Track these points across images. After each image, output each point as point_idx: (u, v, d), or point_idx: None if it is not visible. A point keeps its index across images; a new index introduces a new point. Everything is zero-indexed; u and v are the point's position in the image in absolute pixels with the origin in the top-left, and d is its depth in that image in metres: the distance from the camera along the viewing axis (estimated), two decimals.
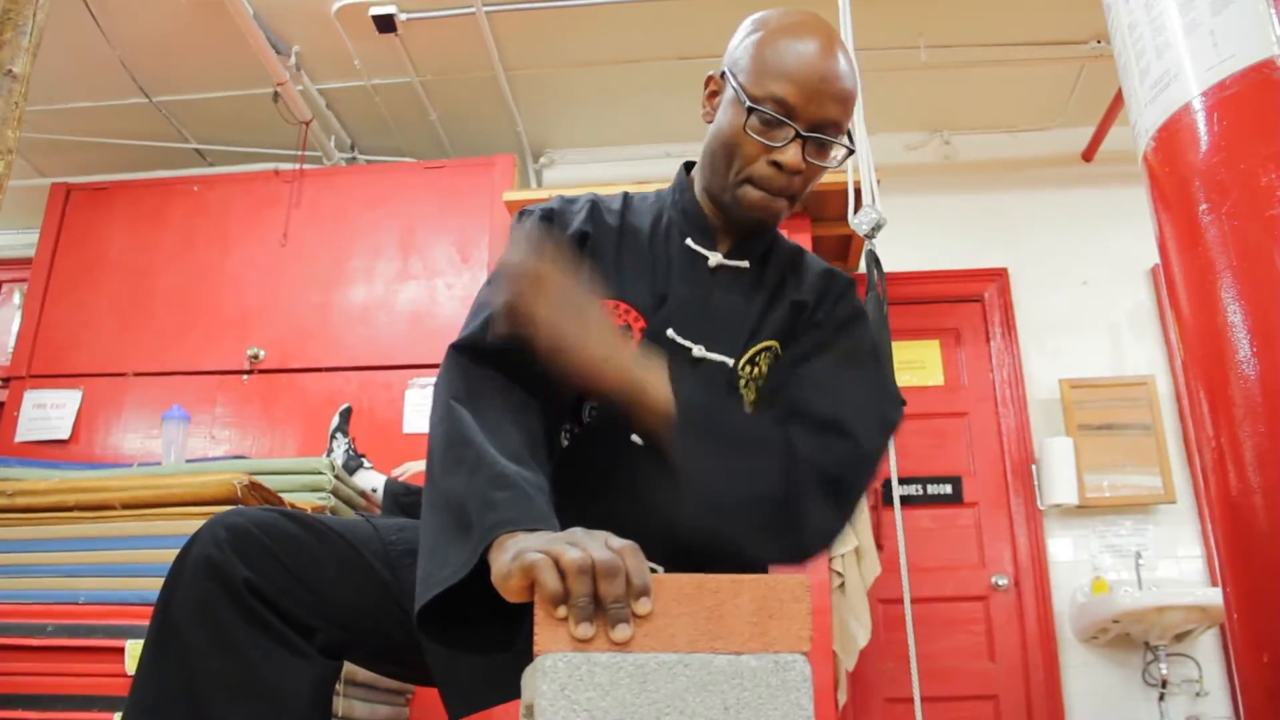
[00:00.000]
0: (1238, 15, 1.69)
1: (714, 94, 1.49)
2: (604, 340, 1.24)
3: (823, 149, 1.40)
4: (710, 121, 1.48)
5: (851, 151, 1.44)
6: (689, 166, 1.58)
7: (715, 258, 1.47)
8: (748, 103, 1.36)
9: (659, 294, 1.44)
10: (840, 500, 1.31)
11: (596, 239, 1.48)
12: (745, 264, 1.49)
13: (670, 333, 1.40)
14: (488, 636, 1.11)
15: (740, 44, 1.44)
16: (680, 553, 1.34)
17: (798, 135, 1.36)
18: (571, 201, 1.54)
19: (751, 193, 1.40)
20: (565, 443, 1.43)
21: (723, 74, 1.46)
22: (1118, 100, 4.35)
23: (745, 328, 1.45)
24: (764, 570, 1.32)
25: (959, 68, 4.50)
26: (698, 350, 1.41)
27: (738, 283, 1.48)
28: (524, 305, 1.20)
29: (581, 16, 4.21)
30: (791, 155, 1.37)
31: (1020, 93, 4.76)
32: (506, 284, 1.21)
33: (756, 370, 1.44)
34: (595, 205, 1.53)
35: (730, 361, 1.42)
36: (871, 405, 1.39)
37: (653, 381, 1.25)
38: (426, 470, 1.20)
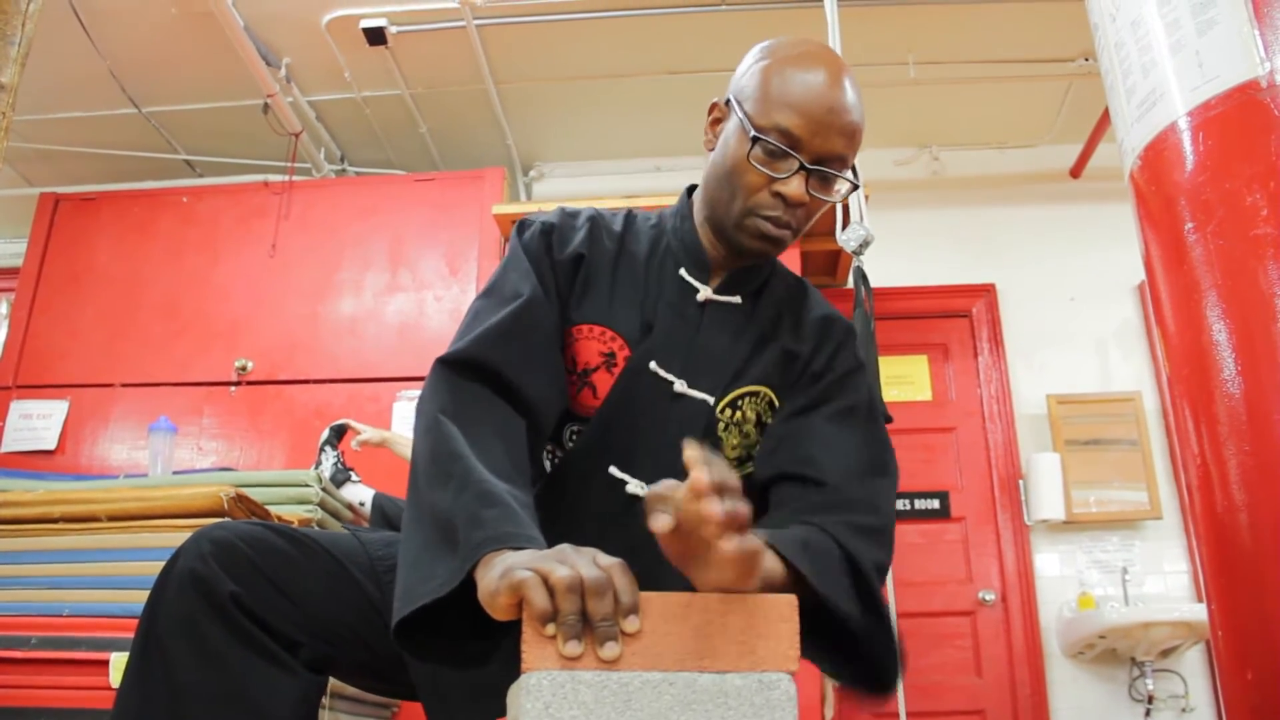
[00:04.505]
0: (1222, 36, 1.70)
1: (717, 121, 1.46)
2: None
3: (826, 182, 1.37)
4: (712, 149, 1.45)
5: (856, 186, 1.41)
6: (691, 190, 1.55)
7: (705, 292, 1.44)
8: (752, 132, 1.33)
9: (647, 323, 1.42)
10: (885, 554, 1.29)
11: (592, 261, 1.45)
12: (737, 299, 1.46)
13: (653, 365, 1.39)
14: (465, 652, 1.11)
15: (747, 72, 1.41)
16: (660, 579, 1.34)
17: (802, 167, 1.33)
18: (573, 216, 1.51)
19: (753, 223, 1.37)
20: (549, 466, 1.42)
21: (728, 101, 1.43)
22: (1105, 118, 4.37)
23: (730, 367, 1.43)
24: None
25: (948, 84, 4.52)
26: (679, 385, 1.39)
27: (728, 319, 1.45)
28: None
29: (571, 31, 4.22)
30: (795, 188, 1.34)
31: (1009, 109, 4.79)
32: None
33: (739, 414, 1.42)
34: (595, 224, 1.50)
35: (711, 400, 1.40)
36: (885, 464, 1.38)
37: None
38: (410, 483, 1.19)
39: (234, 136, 4.88)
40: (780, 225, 1.38)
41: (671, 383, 1.39)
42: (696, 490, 0.90)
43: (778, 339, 1.47)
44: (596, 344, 1.41)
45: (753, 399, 1.43)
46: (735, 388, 1.43)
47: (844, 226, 3.04)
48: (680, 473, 1.19)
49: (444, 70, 4.49)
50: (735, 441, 1.43)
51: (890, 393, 4.61)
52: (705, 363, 1.41)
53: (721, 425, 1.41)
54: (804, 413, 1.41)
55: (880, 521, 1.32)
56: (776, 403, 1.45)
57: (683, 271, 1.46)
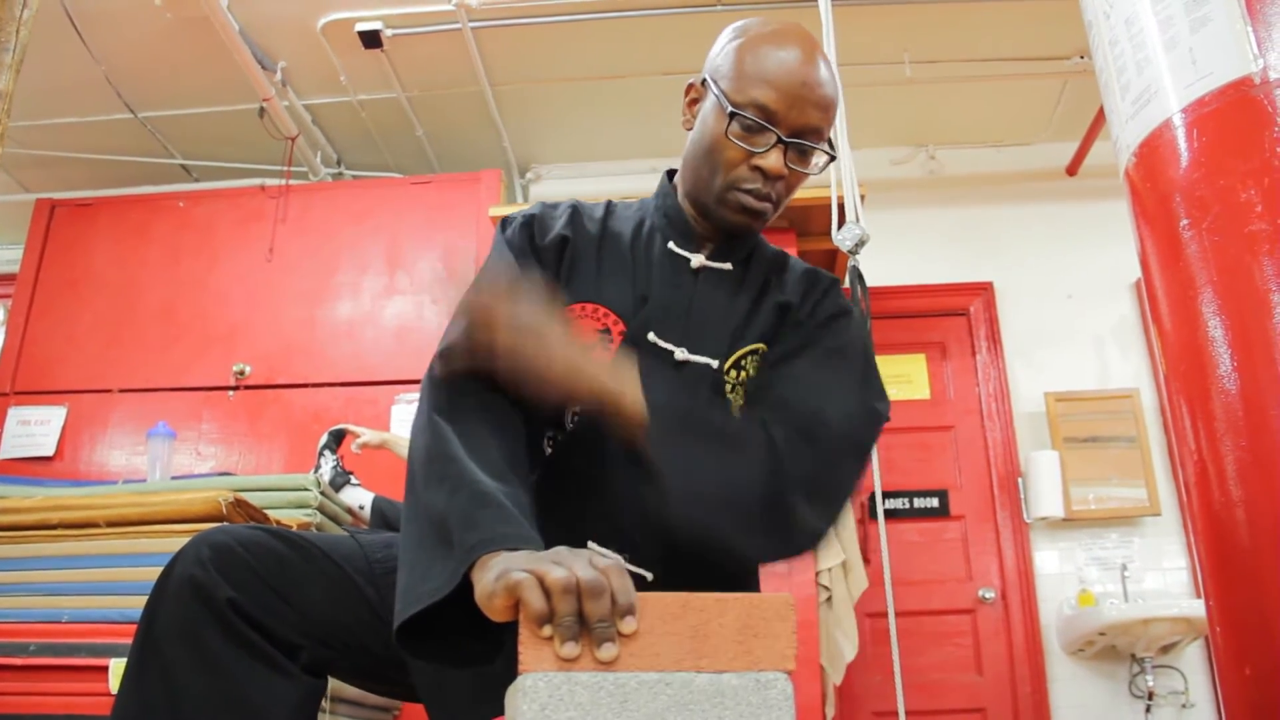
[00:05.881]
0: (1216, 33, 1.70)
1: (694, 101, 1.50)
2: (568, 353, 1.24)
3: (804, 155, 1.41)
4: (690, 129, 1.49)
5: (833, 158, 1.44)
6: (671, 174, 1.58)
7: (698, 259, 1.47)
8: (729, 108, 1.37)
9: (640, 297, 1.44)
10: (828, 498, 1.30)
11: (577, 243, 1.48)
12: (728, 266, 1.48)
13: (651, 336, 1.40)
14: (467, 651, 1.11)
15: (721, 51, 1.45)
16: (670, 556, 1.33)
17: (779, 141, 1.37)
18: (553, 207, 1.54)
19: (734, 198, 1.41)
20: (549, 450, 1.42)
21: (704, 81, 1.46)
22: (1101, 115, 4.38)
23: (729, 329, 1.45)
24: (755, 566, 1.32)
25: (944, 83, 4.52)
26: (680, 353, 1.40)
27: (721, 284, 1.47)
28: (478, 338, 1.23)
29: (567, 32, 4.22)
30: (773, 161, 1.37)
31: (1005, 108, 4.79)
32: (459, 321, 1.26)
33: (744, 374, 1.43)
34: (576, 211, 1.53)
35: (715, 364, 1.41)
36: (856, 400, 1.37)
37: (624, 387, 1.25)
38: (407, 483, 1.20)
39: (230, 141, 4.88)
40: (761, 198, 1.41)
41: (672, 352, 1.40)
42: None
43: (769, 296, 1.49)
44: (590, 322, 1.42)
45: (754, 357, 1.45)
46: (739, 347, 1.44)
47: (840, 226, 3.03)
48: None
49: (440, 73, 4.49)
50: (740, 402, 1.44)
51: (889, 392, 4.60)
52: (704, 328, 1.43)
53: (729, 386, 1.42)
54: (786, 359, 1.43)
55: (854, 445, 1.33)
56: None
57: (671, 244, 1.48)
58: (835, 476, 1.31)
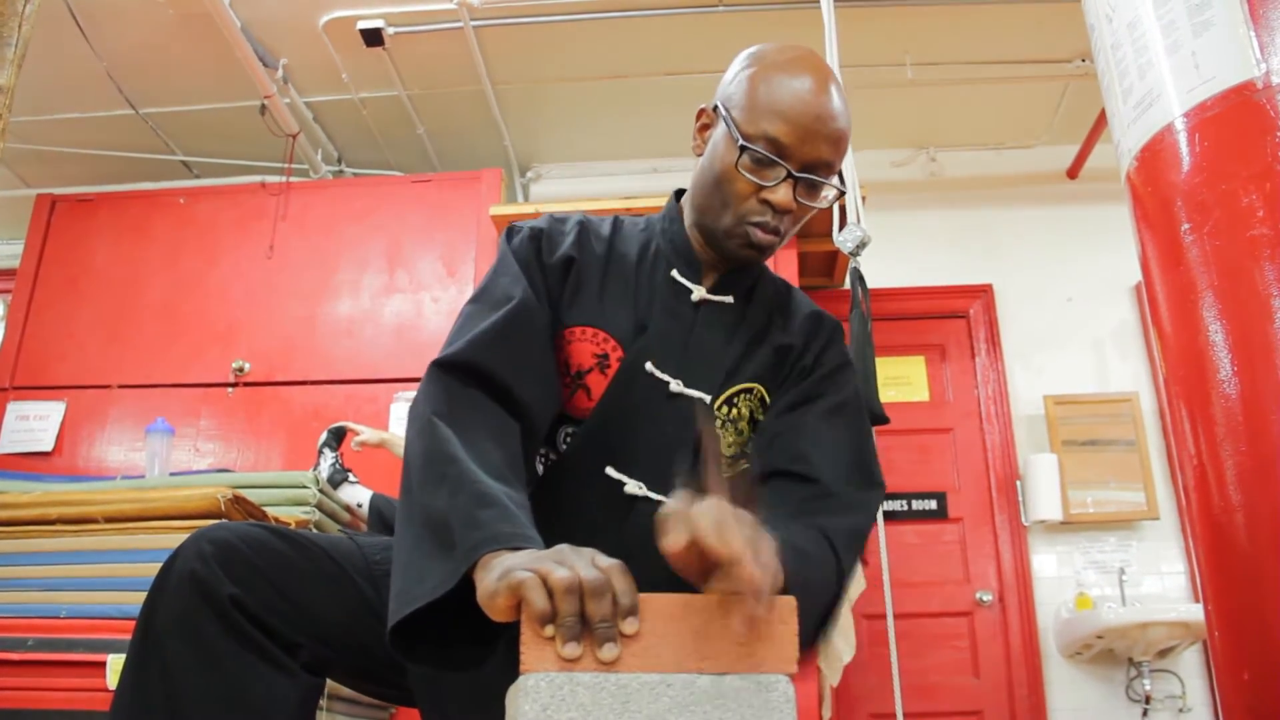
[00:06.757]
0: (1218, 37, 1.71)
1: (705, 127, 1.48)
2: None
3: (813, 189, 1.40)
4: (700, 155, 1.47)
5: (842, 193, 1.43)
6: (679, 194, 1.57)
7: (699, 292, 1.46)
8: (740, 140, 1.35)
9: (640, 324, 1.43)
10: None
11: (582, 264, 1.47)
12: (729, 299, 1.48)
13: (648, 366, 1.40)
14: (459, 654, 1.10)
15: (734, 79, 1.43)
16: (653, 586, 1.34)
17: (789, 175, 1.36)
18: (561, 221, 1.52)
19: (742, 230, 1.40)
20: (541, 469, 1.42)
21: (715, 108, 1.45)
22: (1102, 118, 4.38)
23: (724, 365, 1.45)
24: None
25: (945, 85, 4.52)
26: (675, 385, 1.40)
27: (721, 319, 1.47)
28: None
29: (569, 32, 4.22)
30: (782, 195, 1.36)
31: (1006, 110, 4.79)
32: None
33: (735, 411, 1.44)
34: (584, 228, 1.51)
35: (708, 398, 1.42)
36: (869, 459, 1.42)
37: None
38: (403, 485, 1.19)
39: (231, 138, 4.87)
40: (769, 231, 1.40)
41: (668, 383, 1.40)
42: (740, 577, 0.90)
43: (769, 337, 1.49)
44: (589, 346, 1.42)
45: (747, 396, 1.45)
46: (730, 385, 1.44)
47: (841, 228, 3.03)
48: (676, 472, 1.21)
49: (441, 71, 4.49)
50: (730, 439, 1.44)
51: (887, 393, 4.61)
52: (700, 361, 1.43)
53: (719, 423, 1.43)
54: (795, 408, 1.44)
55: (868, 527, 1.39)
56: (768, 399, 1.47)
57: (675, 273, 1.47)
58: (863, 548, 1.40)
